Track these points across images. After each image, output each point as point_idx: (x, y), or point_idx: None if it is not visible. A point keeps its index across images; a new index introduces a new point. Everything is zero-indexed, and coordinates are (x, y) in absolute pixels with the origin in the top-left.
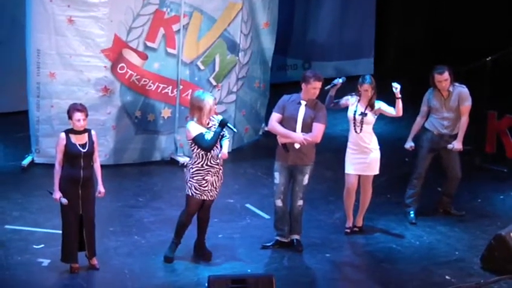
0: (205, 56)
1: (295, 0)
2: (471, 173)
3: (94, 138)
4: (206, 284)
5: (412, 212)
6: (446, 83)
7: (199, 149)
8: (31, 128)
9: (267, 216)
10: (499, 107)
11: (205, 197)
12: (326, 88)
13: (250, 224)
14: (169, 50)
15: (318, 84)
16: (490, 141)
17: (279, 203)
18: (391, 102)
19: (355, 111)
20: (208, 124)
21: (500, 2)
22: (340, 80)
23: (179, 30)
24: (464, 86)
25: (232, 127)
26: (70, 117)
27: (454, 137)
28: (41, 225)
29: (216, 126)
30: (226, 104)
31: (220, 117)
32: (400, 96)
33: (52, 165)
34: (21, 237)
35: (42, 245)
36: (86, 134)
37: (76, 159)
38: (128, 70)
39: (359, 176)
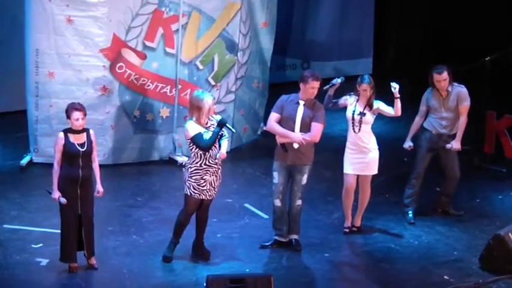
0: (204, 55)
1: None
2: (470, 172)
3: (92, 137)
4: (205, 284)
5: (410, 212)
6: (445, 83)
7: (197, 149)
8: (30, 128)
9: (265, 216)
10: (497, 107)
11: (203, 196)
12: (325, 88)
13: (249, 223)
14: (168, 50)
15: (316, 84)
16: (488, 141)
17: (277, 202)
18: (390, 102)
19: (354, 111)
20: (207, 124)
21: (499, 2)
22: (339, 80)
23: (178, 29)
24: (463, 86)
25: (231, 127)
26: (68, 117)
27: (453, 136)
28: (39, 224)
29: (215, 126)
30: (224, 103)
31: (219, 117)
32: (398, 96)
33: (50, 165)
34: (20, 236)
35: (41, 245)
36: (85, 134)
37: (75, 159)
38: (127, 70)
39: (358, 175)
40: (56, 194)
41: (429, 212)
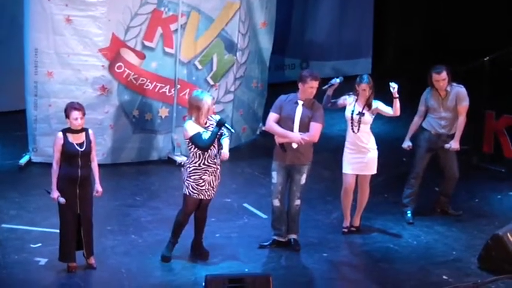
0: (203, 55)
1: None
2: (469, 172)
3: (91, 137)
4: (203, 284)
5: (409, 212)
6: (444, 83)
7: (196, 149)
8: (29, 127)
9: (264, 216)
10: (496, 106)
11: (202, 196)
12: (324, 88)
13: (248, 223)
14: (167, 50)
15: (315, 84)
16: (487, 141)
17: (276, 202)
18: (389, 102)
19: (353, 111)
20: (206, 124)
21: (498, 2)
22: (338, 80)
23: (177, 29)
24: (462, 86)
25: (230, 127)
26: (67, 116)
27: (452, 136)
28: (38, 224)
29: (214, 126)
30: (223, 103)
31: (218, 117)
32: (397, 95)
33: (49, 164)
34: (18, 236)
35: (40, 244)
36: (84, 133)
37: (73, 159)
38: (126, 69)
39: (357, 175)
40: (55, 194)
41: (428, 211)
